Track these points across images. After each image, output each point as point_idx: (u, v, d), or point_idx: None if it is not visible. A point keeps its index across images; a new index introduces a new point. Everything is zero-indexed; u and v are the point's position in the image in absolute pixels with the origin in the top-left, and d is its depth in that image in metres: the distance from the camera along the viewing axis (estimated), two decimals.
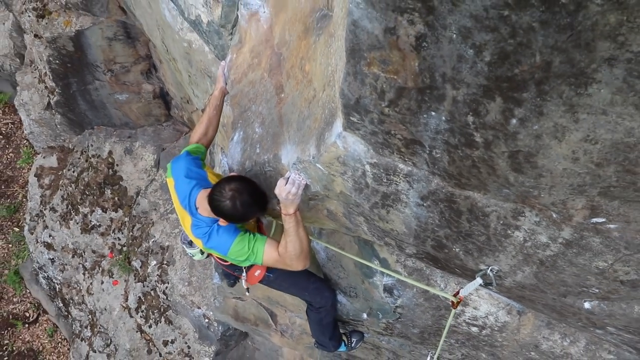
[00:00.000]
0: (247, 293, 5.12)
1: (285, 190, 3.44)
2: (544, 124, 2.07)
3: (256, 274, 4.64)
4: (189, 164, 4.01)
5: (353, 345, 5.56)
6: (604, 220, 2.44)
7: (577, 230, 2.58)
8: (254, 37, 4.25)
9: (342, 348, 5.52)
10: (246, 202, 3.60)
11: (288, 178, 3.46)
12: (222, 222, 3.79)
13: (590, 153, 2.10)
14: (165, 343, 8.89)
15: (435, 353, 4.24)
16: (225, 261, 4.47)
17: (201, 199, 3.84)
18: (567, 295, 3.10)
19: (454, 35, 1.95)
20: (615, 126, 1.95)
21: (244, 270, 4.58)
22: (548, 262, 2.88)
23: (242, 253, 3.82)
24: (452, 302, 3.76)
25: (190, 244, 4.64)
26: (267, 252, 3.81)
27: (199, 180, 3.95)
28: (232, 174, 4.03)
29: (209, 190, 3.75)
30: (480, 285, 3.39)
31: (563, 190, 2.37)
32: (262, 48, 4.10)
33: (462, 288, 3.66)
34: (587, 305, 3.09)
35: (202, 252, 4.71)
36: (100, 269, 9.77)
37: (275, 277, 4.70)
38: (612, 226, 2.45)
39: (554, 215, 2.57)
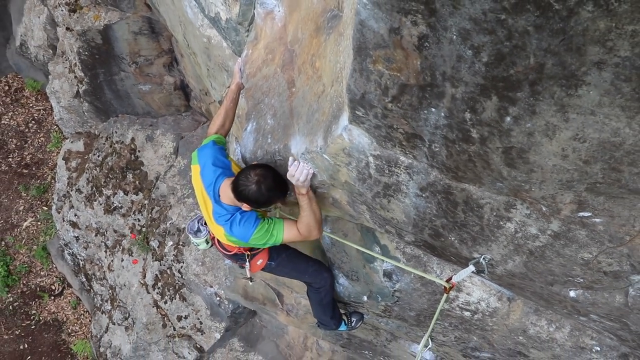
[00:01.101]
0: (250, 282, 5.12)
1: (295, 179, 3.51)
2: (536, 122, 2.07)
3: (258, 262, 4.66)
4: (216, 153, 4.00)
5: (353, 325, 5.57)
6: (590, 214, 2.44)
7: (564, 223, 2.58)
8: (268, 34, 4.25)
9: (343, 327, 5.53)
10: (271, 186, 3.62)
11: (294, 162, 3.53)
12: (245, 207, 3.78)
13: (579, 151, 2.10)
14: (179, 318, 8.94)
15: (427, 334, 4.24)
16: (229, 251, 4.51)
17: (225, 187, 3.83)
18: (554, 284, 3.10)
19: (454, 37, 1.95)
20: (603, 126, 1.94)
21: (247, 259, 4.58)
22: (537, 253, 2.89)
23: (263, 238, 3.88)
24: (445, 287, 3.77)
25: (196, 233, 4.67)
26: (286, 232, 3.88)
27: (225, 169, 3.95)
28: (255, 163, 4.02)
29: (232, 178, 3.76)
30: (473, 272, 3.39)
31: (552, 185, 2.37)
32: (276, 45, 4.10)
33: (454, 275, 3.66)
34: (572, 293, 3.09)
35: (207, 242, 4.72)
36: (121, 247, 9.82)
37: (277, 264, 4.73)
38: (597, 220, 2.45)
39: (544, 209, 2.57)
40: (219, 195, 3.88)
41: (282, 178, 3.72)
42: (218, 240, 4.53)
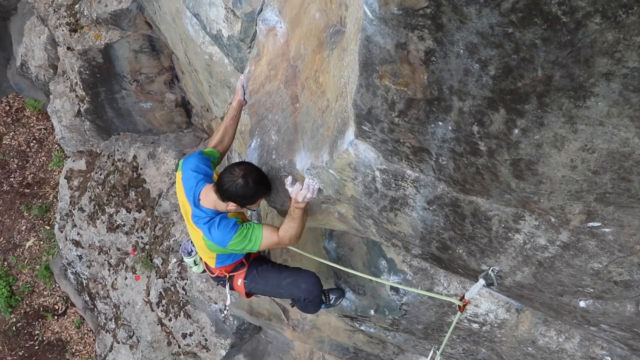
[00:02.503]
0: (225, 310, 5.09)
1: (302, 195, 3.50)
2: (545, 134, 2.07)
3: (239, 283, 4.65)
4: (198, 161, 4.03)
5: (332, 302, 5.30)
6: (599, 224, 2.44)
7: (574, 233, 2.58)
8: (271, 50, 4.27)
9: (322, 306, 5.25)
10: (257, 179, 3.68)
11: (295, 183, 3.54)
12: (231, 207, 3.78)
13: (588, 161, 2.10)
14: (184, 335, 8.90)
15: (439, 349, 4.23)
16: (211, 272, 4.59)
17: (206, 191, 3.86)
18: (563, 294, 3.09)
19: (461, 51, 1.95)
20: (612, 136, 1.95)
21: (226, 282, 4.64)
22: (546, 264, 2.88)
23: (241, 243, 3.83)
24: (459, 306, 3.75)
25: (189, 254, 4.72)
26: (265, 238, 3.84)
27: (206, 175, 3.97)
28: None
29: (213, 184, 3.82)
30: (483, 285, 3.38)
31: (561, 196, 2.37)
32: (279, 61, 4.11)
33: (467, 292, 3.65)
34: (582, 304, 3.08)
35: (195, 262, 4.79)
36: (124, 265, 9.80)
37: (249, 280, 4.65)
38: (607, 230, 2.45)
39: (553, 220, 2.56)
40: (199, 200, 3.89)
41: (264, 173, 3.80)
42: (204, 262, 4.61)
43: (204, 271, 4.85)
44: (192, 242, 4.62)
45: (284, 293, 4.78)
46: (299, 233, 3.82)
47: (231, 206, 3.78)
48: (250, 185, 3.64)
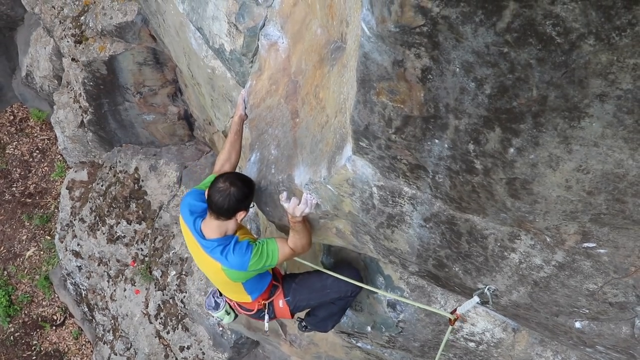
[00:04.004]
0: (266, 331, 4.90)
1: (300, 210, 3.49)
2: (540, 153, 2.08)
3: (280, 305, 4.48)
4: (192, 199, 3.97)
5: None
6: (594, 245, 2.43)
7: (569, 253, 2.57)
8: (272, 65, 4.29)
9: (343, 319, 5.07)
10: (243, 178, 3.74)
11: (291, 198, 3.54)
12: (240, 216, 3.73)
13: (582, 182, 2.11)
14: (182, 349, 8.87)
15: None
16: (249, 310, 4.45)
17: (205, 224, 3.82)
18: (559, 314, 3.08)
19: (457, 69, 1.96)
20: (606, 157, 1.95)
21: (266, 312, 4.46)
22: (542, 283, 2.87)
23: (260, 260, 3.78)
24: (450, 319, 3.74)
25: (216, 308, 4.58)
26: (280, 249, 3.81)
27: (200, 212, 3.90)
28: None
29: (208, 214, 3.77)
30: (478, 303, 3.37)
31: (557, 216, 2.37)
32: (280, 76, 4.13)
33: (459, 306, 3.64)
34: (577, 324, 3.07)
35: (227, 312, 4.64)
36: (124, 277, 9.79)
37: (293, 296, 4.50)
38: (602, 251, 2.45)
39: (548, 239, 2.56)
40: (204, 235, 3.83)
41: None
42: (238, 305, 4.47)
43: (237, 316, 4.72)
44: (213, 295, 4.57)
45: (332, 292, 4.56)
46: (308, 239, 3.82)
47: (240, 215, 3.73)
48: (242, 186, 3.66)
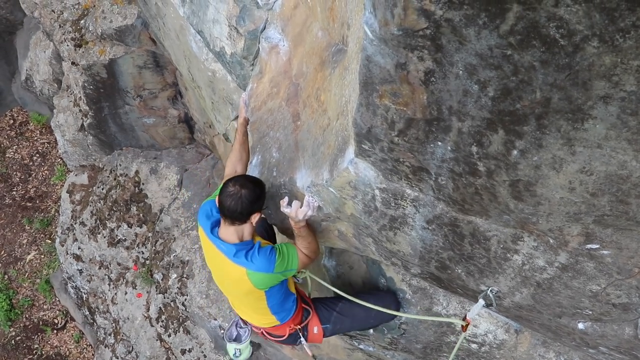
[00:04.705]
0: (310, 354, 4.69)
1: (302, 212, 3.49)
2: (543, 155, 2.08)
3: (315, 331, 4.36)
4: (206, 210, 3.91)
5: None
6: (597, 246, 2.43)
7: (572, 255, 2.57)
8: (273, 68, 4.29)
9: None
10: (254, 181, 3.65)
11: (287, 202, 3.54)
12: (255, 218, 3.63)
13: (586, 184, 2.10)
14: (183, 352, 8.86)
15: None
16: (280, 336, 4.31)
17: (222, 231, 3.73)
18: (562, 316, 3.08)
19: (461, 72, 1.96)
20: (610, 159, 1.95)
21: (301, 336, 4.32)
22: (545, 285, 2.87)
23: (283, 262, 3.72)
24: (462, 325, 3.73)
25: (236, 339, 4.41)
26: (299, 254, 3.79)
27: (217, 221, 3.81)
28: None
29: (223, 221, 3.70)
30: (482, 305, 3.37)
31: (560, 218, 2.37)
32: (281, 78, 4.13)
33: (468, 312, 3.63)
34: (581, 325, 3.07)
35: (248, 348, 4.51)
36: (125, 280, 9.77)
37: (333, 324, 4.40)
38: (605, 252, 2.45)
39: (551, 241, 2.56)
40: (223, 240, 3.74)
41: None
42: (267, 332, 4.33)
43: (252, 353, 4.55)
44: (236, 325, 4.43)
45: (374, 321, 4.54)
46: (316, 243, 3.84)
47: (255, 217, 3.63)
48: (253, 187, 3.57)
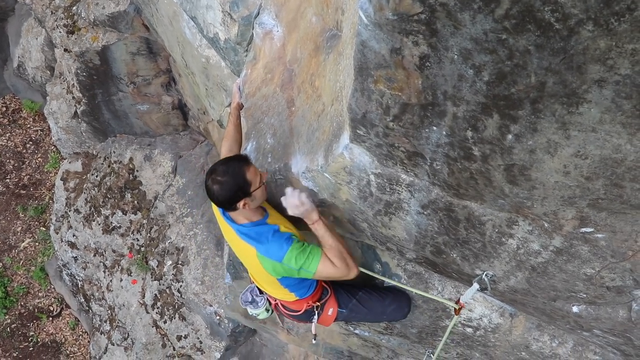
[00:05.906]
0: (314, 341, 4.61)
1: (293, 205, 3.38)
2: (538, 139, 2.08)
3: (329, 313, 4.24)
4: None
5: None
6: (592, 230, 2.45)
7: (567, 239, 2.58)
8: (267, 54, 4.27)
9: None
10: (227, 171, 3.34)
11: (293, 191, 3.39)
12: (247, 202, 3.41)
13: (581, 167, 2.11)
14: (179, 338, 8.89)
15: (434, 353, 4.22)
16: (295, 311, 4.16)
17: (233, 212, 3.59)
18: (556, 299, 3.10)
19: (455, 56, 1.96)
20: (604, 143, 1.96)
21: (316, 313, 4.17)
22: (539, 269, 2.89)
23: (299, 259, 3.46)
24: (455, 309, 3.74)
25: (252, 303, 4.28)
26: (322, 261, 3.47)
27: None
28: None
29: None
30: (477, 289, 3.39)
31: (554, 202, 2.38)
32: (275, 64, 4.12)
33: (462, 295, 3.66)
34: (575, 309, 3.09)
35: (267, 310, 4.35)
36: (120, 267, 9.78)
37: (349, 311, 4.33)
38: (599, 236, 2.46)
39: (546, 225, 2.57)
40: (234, 220, 3.62)
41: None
42: (281, 305, 4.20)
43: (273, 312, 4.40)
44: (251, 292, 4.29)
45: (387, 318, 4.54)
46: (344, 250, 3.53)
47: (242, 204, 3.39)
48: (226, 180, 3.32)
